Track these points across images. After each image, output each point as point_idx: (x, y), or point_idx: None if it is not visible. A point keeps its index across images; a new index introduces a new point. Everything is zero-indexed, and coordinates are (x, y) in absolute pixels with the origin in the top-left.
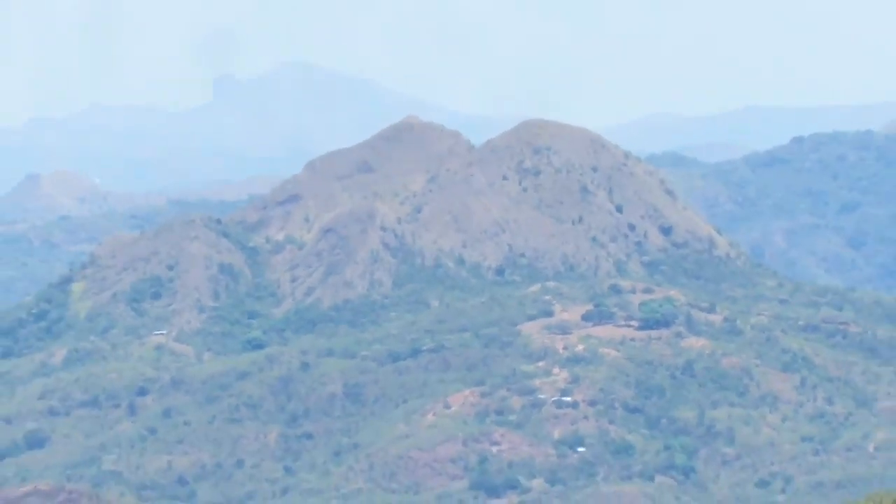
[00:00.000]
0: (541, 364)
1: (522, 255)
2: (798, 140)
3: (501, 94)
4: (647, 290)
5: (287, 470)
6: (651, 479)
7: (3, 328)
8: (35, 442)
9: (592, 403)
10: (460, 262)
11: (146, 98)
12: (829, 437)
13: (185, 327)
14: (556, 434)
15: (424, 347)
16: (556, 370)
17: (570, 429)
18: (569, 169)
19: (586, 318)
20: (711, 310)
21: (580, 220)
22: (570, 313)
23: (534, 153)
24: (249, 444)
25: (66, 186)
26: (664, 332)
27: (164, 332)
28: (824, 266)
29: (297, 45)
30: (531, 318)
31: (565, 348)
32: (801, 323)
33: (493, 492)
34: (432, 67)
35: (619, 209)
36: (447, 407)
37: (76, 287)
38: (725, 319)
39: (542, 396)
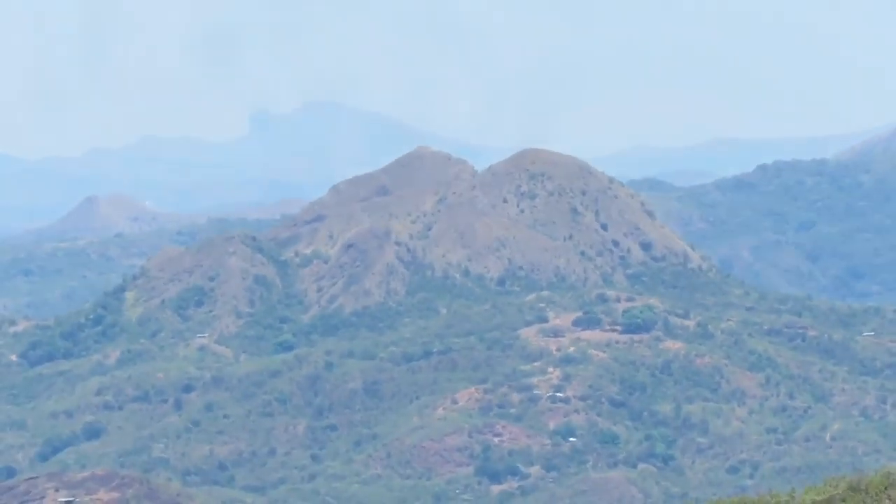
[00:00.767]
0: (537, 364)
1: (520, 267)
2: (762, 167)
3: (502, 126)
4: (630, 299)
5: (314, 458)
6: (634, 466)
7: (64, 332)
8: (92, 433)
9: (583, 398)
10: (466, 273)
11: (191, 131)
12: (791, 428)
13: (224, 331)
14: (551, 426)
15: (434, 349)
16: (550, 369)
17: (563, 421)
18: (560, 192)
19: (576, 323)
20: (686, 316)
21: (570, 237)
22: (562, 319)
23: (530, 178)
24: (281, 435)
25: (120, 208)
26: (645, 336)
27: (205, 335)
28: (785, 277)
29: (321, 84)
30: (528, 323)
31: (558, 350)
32: (765, 327)
33: (496, 477)
34: (440, 104)
35: (605, 227)
36: (455, 402)
37: (129, 295)
38: (698, 324)
39: (538, 392)
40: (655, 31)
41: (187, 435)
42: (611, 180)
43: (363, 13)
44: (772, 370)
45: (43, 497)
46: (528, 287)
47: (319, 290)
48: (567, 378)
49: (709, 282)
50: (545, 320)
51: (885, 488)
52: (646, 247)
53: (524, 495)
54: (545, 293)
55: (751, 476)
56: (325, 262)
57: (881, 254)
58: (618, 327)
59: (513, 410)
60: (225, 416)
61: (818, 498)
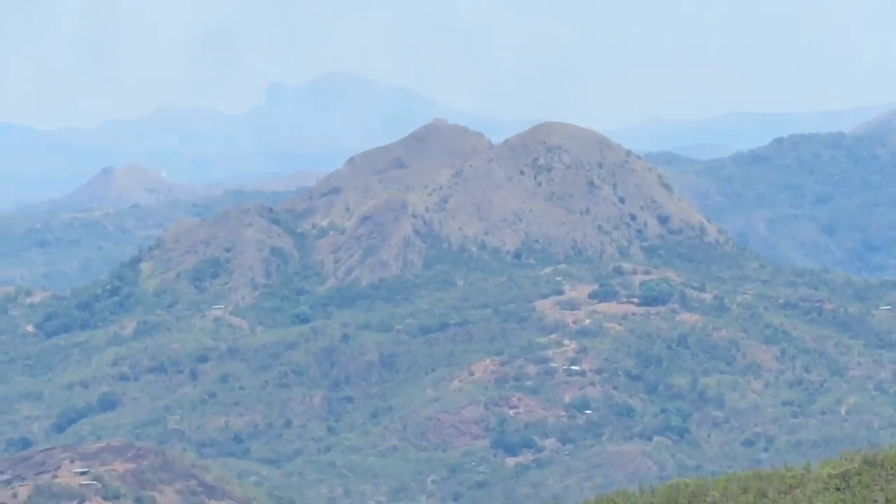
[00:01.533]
0: (553, 336)
1: (537, 241)
2: (778, 141)
3: (517, 100)
4: (646, 272)
5: (330, 429)
6: (650, 438)
7: (80, 303)
8: (108, 404)
9: (598, 371)
10: (482, 246)
11: (207, 101)
12: (807, 401)
13: (240, 303)
14: (567, 398)
15: (451, 322)
16: (566, 342)
17: (578, 394)
18: (577, 165)
19: (593, 296)
20: (702, 289)
21: (587, 210)
22: (578, 292)
23: (547, 151)
24: (297, 407)
25: (136, 179)
26: (661, 309)
27: (221, 306)
28: (801, 251)
29: (339, 55)
30: (544, 296)
31: (574, 323)
32: (781, 301)
33: (511, 450)
34: (456, 77)
35: (622, 201)
36: (471, 374)
37: (145, 267)
38: (715, 297)
39: (554, 365)
40: (672, 4)
41: (203, 406)
42: (628, 153)
43: None
44: (787, 343)
45: (58, 468)
46: (544, 260)
47: (336, 261)
48: (583, 350)
49: (725, 255)
50: (561, 293)
51: None
52: (662, 220)
53: (540, 468)
54: (562, 266)
55: (766, 449)
56: (342, 234)
57: None
58: (634, 300)
59: (529, 383)
60: (241, 388)
61: (833, 472)
